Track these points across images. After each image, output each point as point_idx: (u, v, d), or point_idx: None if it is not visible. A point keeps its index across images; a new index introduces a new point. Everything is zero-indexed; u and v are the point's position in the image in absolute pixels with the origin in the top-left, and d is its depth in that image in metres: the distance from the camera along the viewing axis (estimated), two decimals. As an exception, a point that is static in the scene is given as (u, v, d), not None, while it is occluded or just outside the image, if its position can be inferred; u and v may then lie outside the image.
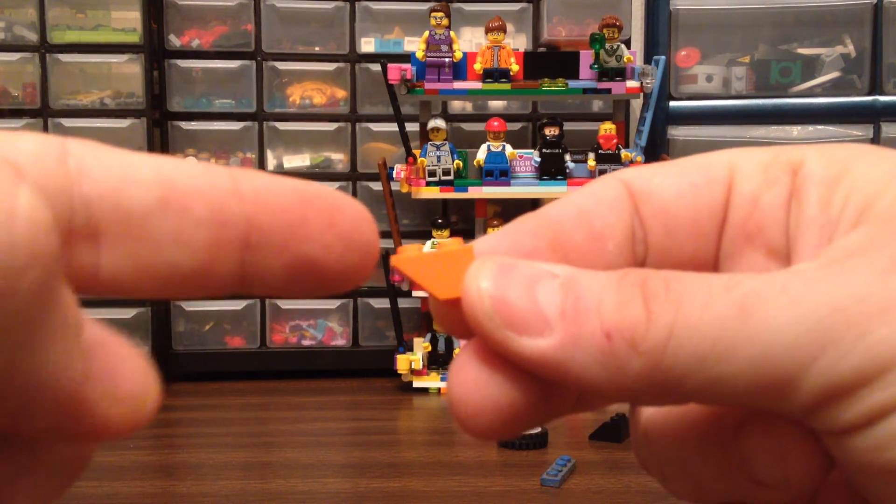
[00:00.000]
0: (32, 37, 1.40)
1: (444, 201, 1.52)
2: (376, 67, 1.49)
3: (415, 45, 1.43)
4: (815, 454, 0.19)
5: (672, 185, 0.22)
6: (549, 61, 1.42)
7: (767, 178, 0.21)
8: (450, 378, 0.20)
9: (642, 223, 0.22)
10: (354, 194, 1.54)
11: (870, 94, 1.42)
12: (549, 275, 0.19)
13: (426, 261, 0.20)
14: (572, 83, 1.40)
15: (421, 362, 1.42)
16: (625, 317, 0.18)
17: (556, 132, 1.41)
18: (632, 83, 1.39)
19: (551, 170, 1.41)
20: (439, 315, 0.21)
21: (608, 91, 1.40)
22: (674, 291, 0.18)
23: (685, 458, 0.21)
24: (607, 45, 1.39)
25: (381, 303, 1.51)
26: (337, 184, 1.54)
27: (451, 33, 1.38)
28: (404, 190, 1.40)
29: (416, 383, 1.43)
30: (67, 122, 1.41)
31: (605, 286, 0.19)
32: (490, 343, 0.19)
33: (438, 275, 0.20)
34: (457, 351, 1.43)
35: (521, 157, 1.42)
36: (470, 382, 0.19)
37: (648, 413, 0.22)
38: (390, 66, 1.35)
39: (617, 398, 0.19)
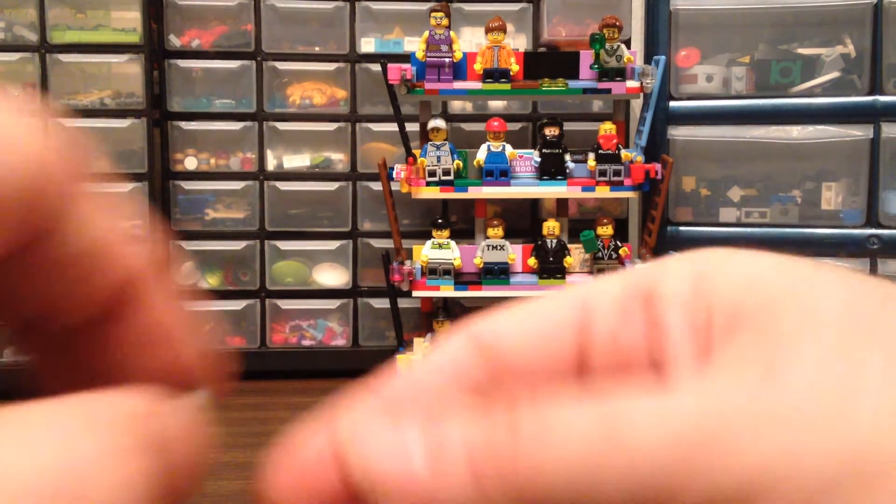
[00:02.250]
0: (32, 37, 1.39)
1: (444, 201, 1.52)
2: (376, 67, 1.49)
3: (415, 45, 1.43)
4: None
5: (517, 333, 0.21)
6: (549, 61, 1.42)
7: (622, 316, 0.20)
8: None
9: (493, 379, 0.21)
10: (354, 194, 1.54)
11: (870, 94, 1.42)
12: (412, 422, 0.19)
13: None
14: (572, 83, 1.40)
15: (421, 362, 1.42)
16: (491, 447, 0.18)
17: (556, 132, 1.41)
18: (632, 83, 1.39)
19: (551, 170, 1.41)
20: None
21: (608, 91, 1.40)
22: (540, 414, 0.18)
23: None
24: (607, 45, 1.39)
25: (381, 303, 1.51)
26: (337, 184, 1.54)
27: (451, 33, 1.38)
28: (404, 190, 1.40)
29: (416, 383, 1.43)
30: (67, 123, 1.41)
31: (470, 420, 0.18)
32: (358, 489, 0.18)
33: None
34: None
35: (521, 157, 1.42)
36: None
37: None
38: (390, 66, 1.35)
39: None
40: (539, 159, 1.41)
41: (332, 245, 1.55)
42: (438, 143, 1.40)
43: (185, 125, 1.50)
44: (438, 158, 1.40)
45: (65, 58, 1.40)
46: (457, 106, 1.57)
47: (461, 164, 1.41)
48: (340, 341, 1.55)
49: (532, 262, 1.42)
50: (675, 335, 0.19)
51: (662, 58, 1.40)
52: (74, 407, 0.16)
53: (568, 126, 1.44)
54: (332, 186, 1.54)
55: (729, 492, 0.16)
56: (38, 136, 0.16)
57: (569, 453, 0.17)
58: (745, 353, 0.18)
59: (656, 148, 1.45)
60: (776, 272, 0.19)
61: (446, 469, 0.18)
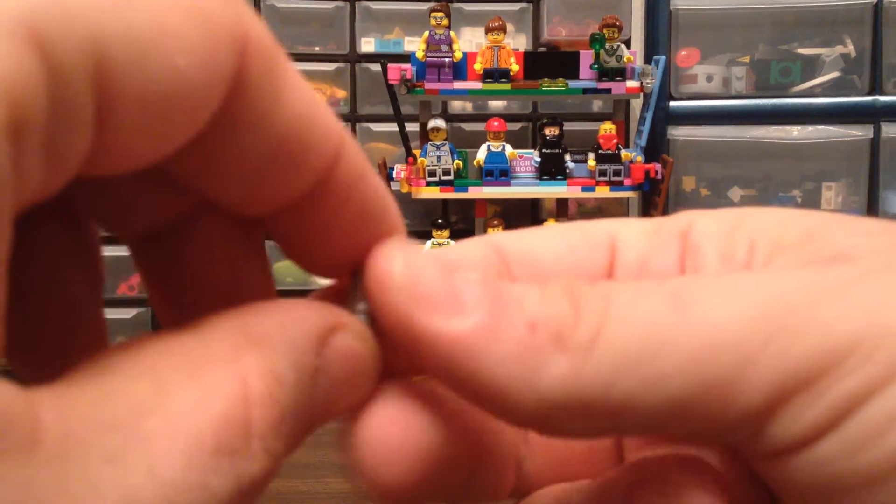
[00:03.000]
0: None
1: (444, 201, 1.52)
2: (376, 67, 1.49)
3: (415, 45, 1.43)
4: None
5: (549, 248, 0.20)
6: (549, 61, 1.42)
7: (654, 243, 0.20)
8: (362, 422, 0.17)
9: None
10: (354, 194, 1.54)
11: (870, 94, 1.42)
12: (467, 269, 0.17)
13: None
14: (572, 83, 1.40)
15: (421, 362, 1.42)
16: (551, 310, 0.16)
17: (556, 132, 1.41)
18: (632, 83, 1.39)
19: (551, 170, 1.41)
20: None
21: (608, 91, 1.40)
22: (601, 289, 0.17)
23: None
24: (607, 45, 1.38)
25: (381, 303, 1.51)
26: (337, 184, 1.54)
27: (451, 33, 1.38)
28: (404, 190, 1.40)
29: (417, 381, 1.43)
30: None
31: (527, 286, 0.17)
32: (397, 324, 0.16)
33: None
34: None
35: (521, 157, 1.42)
36: (388, 421, 0.17)
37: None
38: (390, 66, 1.35)
39: (525, 415, 0.16)
40: (539, 159, 1.41)
41: (332, 245, 1.55)
42: (438, 143, 1.40)
43: (185, 125, 1.50)
44: (438, 158, 1.40)
45: (65, 58, 1.41)
46: (457, 106, 1.57)
47: (461, 164, 1.41)
48: (340, 341, 1.55)
49: (532, 262, 1.42)
50: (711, 264, 0.19)
51: (662, 58, 1.40)
52: (238, 332, 0.15)
53: (568, 126, 1.44)
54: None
55: (809, 362, 0.15)
56: (228, 12, 0.15)
57: (632, 325, 0.16)
58: (799, 257, 0.17)
59: (656, 148, 1.45)
60: (808, 213, 0.19)
61: (500, 315, 0.16)
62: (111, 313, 1.43)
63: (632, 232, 0.20)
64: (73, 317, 0.18)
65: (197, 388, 0.14)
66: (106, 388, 0.13)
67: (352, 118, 1.53)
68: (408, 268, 0.17)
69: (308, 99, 0.17)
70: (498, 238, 0.21)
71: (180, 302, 0.19)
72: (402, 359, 0.19)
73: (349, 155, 0.18)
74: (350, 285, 0.18)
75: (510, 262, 0.20)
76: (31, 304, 0.17)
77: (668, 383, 0.15)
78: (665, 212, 1.46)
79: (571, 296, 0.17)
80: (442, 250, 0.20)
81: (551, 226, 0.21)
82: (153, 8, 0.14)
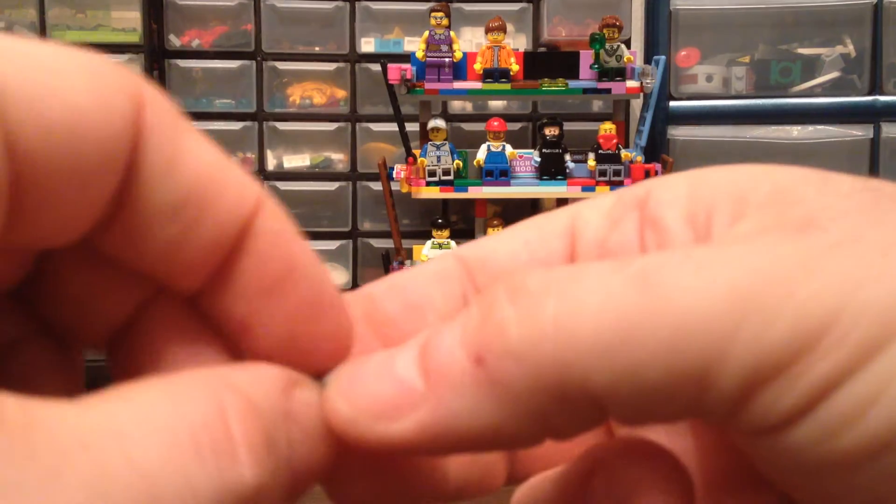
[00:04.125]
0: (33, 37, 1.40)
1: (444, 201, 1.52)
2: (376, 67, 1.49)
3: (415, 45, 1.43)
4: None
5: (504, 248, 0.20)
6: (549, 61, 1.42)
7: (611, 219, 0.19)
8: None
9: (479, 290, 0.20)
10: (354, 194, 1.54)
11: (870, 94, 1.42)
12: (405, 349, 0.17)
13: None
14: (572, 83, 1.40)
15: (421, 362, 1.42)
16: (490, 327, 0.15)
17: (556, 132, 1.41)
18: (632, 83, 1.39)
19: (551, 170, 1.41)
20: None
21: (608, 91, 1.40)
22: (548, 279, 0.15)
23: None
24: (607, 45, 1.39)
25: (381, 303, 1.51)
26: (337, 184, 1.54)
27: (451, 33, 1.38)
28: (404, 190, 1.40)
29: (416, 383, 1.43)
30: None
31: (463, 314, 0.16)
32: (373, 448, 0.16)
33: None
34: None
35: (521, 157, 1.42)
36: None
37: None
38: (390, 66, 1.35)
39: (524, 436, 0.16)
40: (539, 159, 1.41)
41: (332, 245, 1.55)
42: (438, 143, 1.40)
43: (185, 125, 1.50)
44: (438, 158, 1.40)
45: (65, 58, 1.41)
46: (457, 106, 1.57)
47: (461, 164, 1.41)
48: (340, 341, 1.55)
49: (532, 262, 1.42)
50: (675, 229, 0.18)
51: (662, 58, 1.40)
52: (211, 374, 0.15)
53: (568, 126, 1.44)
54: (332, 186, 1.54)
55: (783, 346, 0.14)
56: (120, 72, 0.15)
57: (599, 316, 0.15)
58: (765, 220, 0.17)
59: (656, 148, 1.45)
60: (777, 169, 0.18)
61: (441, 366, 0.15)
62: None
63: (591, 211, 0.20)
64: None
65: (171, 404, 0.14)
66: (73, 403, 0.13)
67: (352, 118, 1.53)
68: (350, 393, 0.17)
69: (214, 154, 0.16)
70: (460, 249, 0.21)
71: None
72: None
73: (269, 211, 0.17)
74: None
75: (472, 271, 0.20)
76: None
77: (646, 371, 0.15)
78: (665, 212, 1.46)
79: (511, 297, 0.16)
80: (404, 277, 0.20)
81: (515, 225, 0.21)
82: (44, 56, 0.14)
